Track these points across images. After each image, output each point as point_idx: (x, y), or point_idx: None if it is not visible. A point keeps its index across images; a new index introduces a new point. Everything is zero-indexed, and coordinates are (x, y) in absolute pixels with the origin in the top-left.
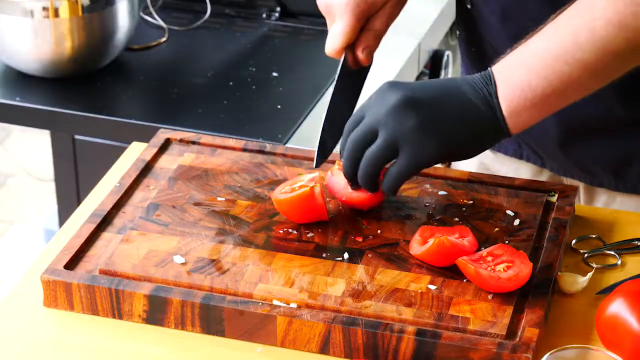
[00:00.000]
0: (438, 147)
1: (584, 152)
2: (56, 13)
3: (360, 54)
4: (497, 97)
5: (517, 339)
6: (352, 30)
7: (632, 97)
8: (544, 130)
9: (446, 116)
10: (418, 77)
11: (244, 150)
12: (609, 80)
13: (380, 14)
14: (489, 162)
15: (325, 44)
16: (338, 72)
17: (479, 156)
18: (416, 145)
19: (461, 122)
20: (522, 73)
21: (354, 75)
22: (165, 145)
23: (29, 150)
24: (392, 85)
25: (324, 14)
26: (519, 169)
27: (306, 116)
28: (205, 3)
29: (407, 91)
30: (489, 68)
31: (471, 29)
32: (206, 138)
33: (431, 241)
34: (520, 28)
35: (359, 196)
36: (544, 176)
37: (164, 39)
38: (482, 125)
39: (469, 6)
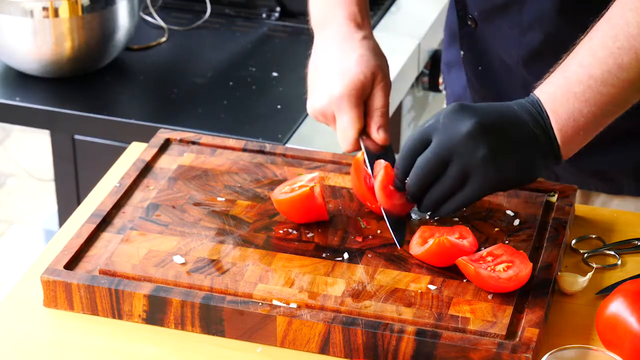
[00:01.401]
0: (504, 178)
1: (605, 159)
2: (56, 13)
3: (377, 135)
4: (552, 128)
5: (517, 339)
6: (357, 118)
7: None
8: None
9: (514, 147)
10: (418, 77)
11: (244, 150)
12: None
13: (375, 92)
14: None
15: (339, 144)
16: (367, 162)
17: None
18: (485, 176)
19: (526, 152)
20: (572, 102)
21: (381, 157)
22: (165, 145)
23: (29, 150)
24: (463, 108)
25: (321, 120)
26: None
27: (306, 116)
28: (205, 3)
29: (478, 118)
30: (532, 94)
31: (477, 48)
32: (206, 138)
33: (431, 241)
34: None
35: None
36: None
37: (163, 39)
38: (542, 154)
39: (473, 26)
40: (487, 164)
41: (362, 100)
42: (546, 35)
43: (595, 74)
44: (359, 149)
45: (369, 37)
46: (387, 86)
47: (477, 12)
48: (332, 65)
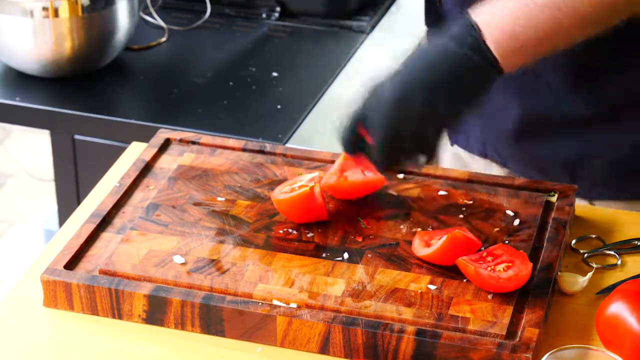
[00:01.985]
0: (447, 112)
1: (539, 149)
2: (56, 13)
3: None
4: (484, 41)
5: (517, 339)
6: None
7: (587, 91)
8: (506, 121)
9: (445, 84)
10: None
11: (244, 150)
12: (596, 30)
13: None
14: (465, 159)
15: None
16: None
17: (455, 153)
18: (430, 114)
19: (456, 79)
20: (510, 17)
21: None
22: (165, 145)
23: (29, 150)
24: (381, 83)
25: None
26: (489, 169)
27: (306, 116)
28: (205, 3)
29: (395, 91)
30: (467, 15)
31: (439, 25)
32: (206, 138)
33: (441, 240)
34: None
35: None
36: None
37: (164, 39)
38: (475, 72)
39: (437, 4)
40: (426, 107)
41: None
42: None
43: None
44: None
45: None
46: None
47: None
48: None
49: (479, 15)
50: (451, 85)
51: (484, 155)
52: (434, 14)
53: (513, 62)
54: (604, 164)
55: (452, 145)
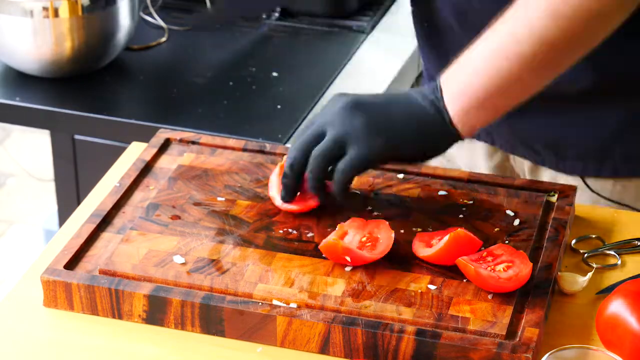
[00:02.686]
0: (384, 145)
1: (527, 126)
2: (56, 13)
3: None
4: (443, 100)
5: (517, 339)
6: None
7: (575, 67)
8: None
9: (393, 116)
10: (418, 77)
11: (244, 150)
12: (551, 75)
13: None
14: None
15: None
16: None
17: None
18: (362, 141)
19: (408, 122)
20: (465, 74)
21: None
22: (165, 145)
23: (29, 150)
24: (339, 94)
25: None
26: (474, 150)
27: (306, 116)
28: (205, 3)
29: (355, 96)
30: (437, 80)
31: (423, 2)
32: (206, 138)
33: (446, 237)
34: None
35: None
36: (498, 157)
37: (164, 39)
38: (430, 126)
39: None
40: (362, 130)
41: None
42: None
43: (491, 47)
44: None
45: None
46: None
47: None
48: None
49: (443, 75)
50: (401, 125)
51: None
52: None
53: (472, 122)
54: (590, 142)
55: None
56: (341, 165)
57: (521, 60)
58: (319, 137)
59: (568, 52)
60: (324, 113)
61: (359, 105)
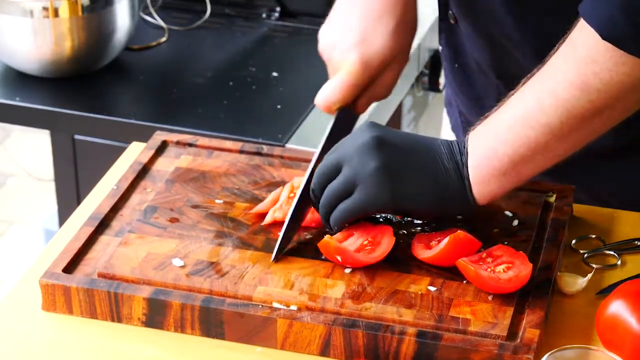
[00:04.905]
0: (391, 196)
1: (566, 176)
2: (56, 13)
3: (359, 109)
4: (467, 167)
5: (518, 340)
6: (353, 91)
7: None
8: None
9: (410, 170)
10: (418, 77)
11: (241, 152)
12: (579, 145)
13: (390, 69)
14: None
15: (319, 93)
16: (328, 131)
17: None
18: (370, 188)
19: (424, 182)
20: (490, 141)
21: (344, 129)
22: (162, 147)
23: (29, 150)
24: (370, 125)
25: (324, 56)
26: None
27: (306, 116)
28: (205, 3)
29: (380, 133)
30: (464, 139)
31: (455, 45)
32: (203, 140)
33: (446, 239)
34: (502, 48)
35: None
36: None
37: (164, 39)
38: (447, 192)
39: (452, 22)
40: (374, 175)
41: (370, 79)
42: (507, 40)
43: (517, 114)
44: (331, 113)
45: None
46: (401, 69)
47: (456, 8)
48: (362, 17)
49: (471, 135)
50: (415, 180)
51: None
52: (449, 33)
53: (493, 190)
54: (628, 191)
55: None
56: (342, 205)
57: (547, 130)
58: (337, 169)
59: (598, 124)
60: (348, 142)
61: (379, 147)
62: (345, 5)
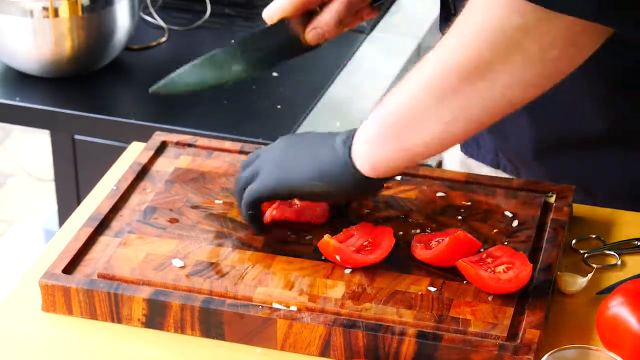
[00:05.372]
0: (277, 180)
1: (557, 164)
2: (56, 13)
3: (308, 36)
4: (352, 137)
5: (519, 341)
6: (296, 5)
7: (608, 109)
8: (520, 141)
9: (299, 153)
10: None
11: (240, 152)
12: (468, 113)
13: (332, 5)
14: (474, 167)
15: (266, 8)
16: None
17: (463, 161)
18: (263, 174)
19: (309, 159)
20: (377, 109)
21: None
22: (161, 148)
23: (29, 150)
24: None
25: None
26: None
27: (306, 116)
28: (205, 3)
29: (296, 134)
30: None
31: None
32: (202, 140)
33: (446, 240)
34: None
35: None
36: None
37: (164, 39)
38: (331, 164)
39: (452, 12)
40: (268, 162)
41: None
42: None
43: (401, 84)
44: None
45: None
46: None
47: (456, 1)
48: None
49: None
50: (302, 172)
51: (495, 165)
52: (449, 24)
53: (378, 158)
54: (620, 183)
55: (461, 151)
56: (247, 191)
57: (425, 86)
58: (250, 164)
59: (481, 85)
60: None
61: (282, 140)
62: None
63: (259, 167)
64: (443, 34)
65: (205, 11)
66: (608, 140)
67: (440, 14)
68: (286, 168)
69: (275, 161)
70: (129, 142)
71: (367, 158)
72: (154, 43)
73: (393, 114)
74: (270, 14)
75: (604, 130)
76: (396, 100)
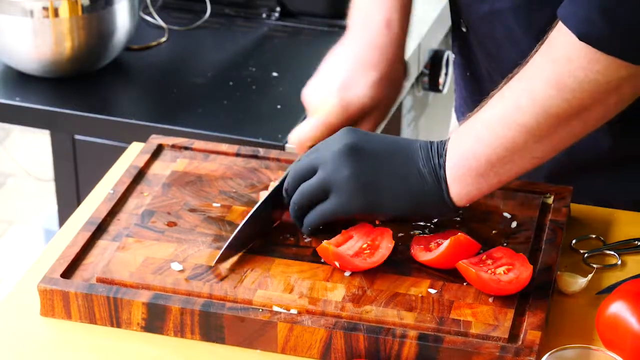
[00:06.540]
0: (365, 204)
1: (570, 184)
2: (56, 13)
3: None
4: (444, 168)
5: (520, 343)
6: (327, 131)
7: (622, 132)
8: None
9: (384, 176)
10: (418, 77)
11: (237, 155)
12: (559, 147)
13: (369, 119)
14: None
15: (293, 131)
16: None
17: None
18: (344, 194)
19: (397, 186)
20: (468, 141)
21: None
22: (158, 151)
23: (29, 150)
24: (348, 131)
25: (305, 102)
26: None
27: (306, 116)
28: (205, 3)
29: (355, 139)
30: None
31: (466, 52)
32: (198, 143)
33: (446, 242)
34: (511, 60)
35: None
36: None
37: (164, 39)
38: (422, 194)
39: (464, 29)
40: (347, 182)
41: (346, 122)
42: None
43: (495, 114)
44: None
45: (397, 58)
46: (380, 121)
47: (466, 16)
48: (347, 69)
49: (451, 140)
50: (389, 187)
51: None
52: (461, 41)
53: (471, 192)
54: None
55: None
56: (319, 208)
57: (524, 130)
58: (312, 171)
59: (576, 125)
60: (325, 146)
61: (355, 153)
62: (331, 60)
63: (330, 184)
64: (454, 50)
65: (205, 11)
66: (621, 160)
67: (453, 31)
68: (374, 193)
69: (356, 182)
70: (129, 142)
71: (466, 195)
72: (154, 43)
73: (494, 155)
74: (301, 141)
75: (616, 151)
76: (493, 142)
